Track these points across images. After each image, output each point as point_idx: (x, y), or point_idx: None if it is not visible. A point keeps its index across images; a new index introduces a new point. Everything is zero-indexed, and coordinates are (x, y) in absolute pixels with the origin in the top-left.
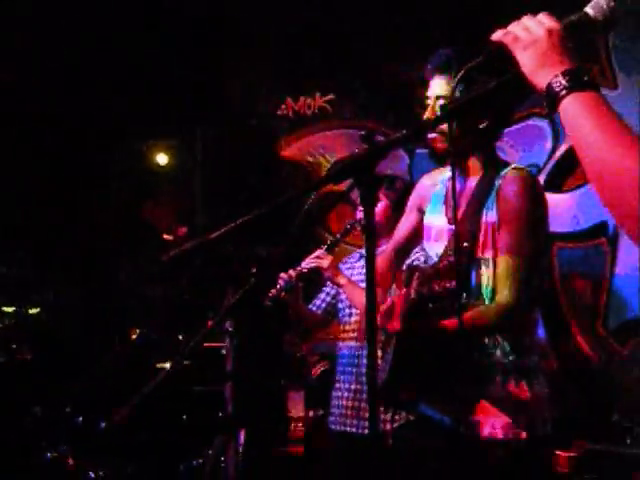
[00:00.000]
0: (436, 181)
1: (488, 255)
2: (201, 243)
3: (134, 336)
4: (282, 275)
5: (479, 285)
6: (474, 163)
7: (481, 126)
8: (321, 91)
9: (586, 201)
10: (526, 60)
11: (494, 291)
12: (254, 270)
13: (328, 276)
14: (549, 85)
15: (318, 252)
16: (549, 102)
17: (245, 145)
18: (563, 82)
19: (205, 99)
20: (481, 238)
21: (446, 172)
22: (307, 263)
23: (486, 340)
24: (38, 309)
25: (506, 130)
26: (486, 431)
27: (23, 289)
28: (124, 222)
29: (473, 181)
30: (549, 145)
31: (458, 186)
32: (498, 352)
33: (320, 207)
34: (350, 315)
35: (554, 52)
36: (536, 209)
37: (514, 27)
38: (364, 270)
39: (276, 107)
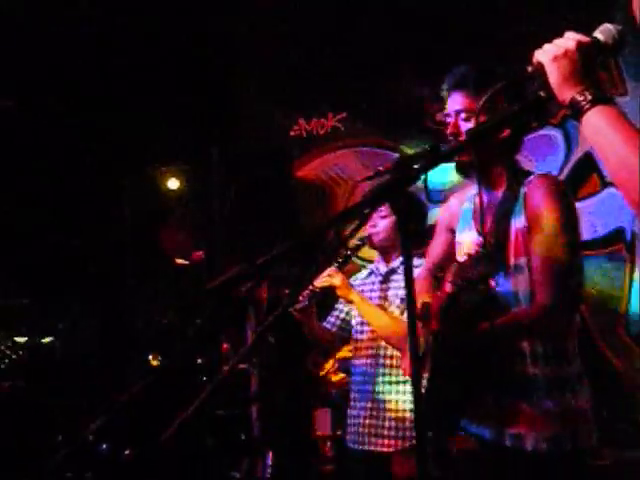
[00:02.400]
0: (464, 199)
1: (521, 261)
2: (247, 270)
3: (155, 362)
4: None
5: (516, 292)
6: (499, 175)
7: (502, 137)
8: (333, 110)
9: (602, 208)
10: (554, 71)
11: (532, 295)
12: (287, 291)
13: (340, 294)
14: (574, 98)
15: (329, 270)
16: (573, 113)
17: (259, 167)
18: (588, 96)
19: (218, 122)
20: (512, 245)
21: (472, 189)
22: (319, 282)
23: (527, 347)
24: (51, 338)
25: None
26: (530, 444)
27: (36, 319)
28: (139, 248)
29: (499, 193)
30: (562, 154)
31: (485, 199)
32: (540, 360)
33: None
34: (362, 332)
35: (581, 66)
36: (565, 210)
37: (548, 45)
38: (375, 286)
39: (289, 128)
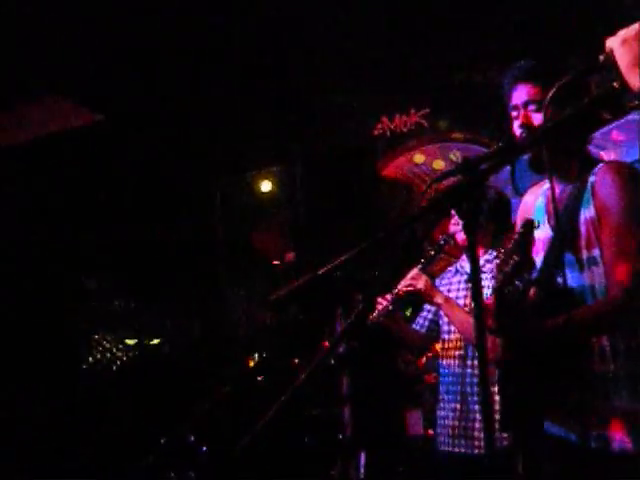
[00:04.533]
0: (537, 194)
1: (595, 253)
2: (309, 280)
3: (252, 363)
4: (379, 300)
5: (592, 286)
6: (570, 168)
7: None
8: (416, 106)
9: None
10: (624, 54)
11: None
12: (361, 296)
13: (425, 297)
14: None
15: (413, 273)
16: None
17: (344, 167)
18: None
19: (301, 123)
20: (583, 237)
21: (546, 184)
22: (403, 285)
23: (606, 344)
24: (159, 340)
25: (607, 127)
26: (616, 445)
27: (143, 321)
28: (234, 251)
29: (571, 186)
30: None
31: (558, 192)
32: (621, 357)
33: (425, 224)
34: (449, 332)
35: None
36: (634, 197)
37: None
38: (461, 285)
39: (372, 127)
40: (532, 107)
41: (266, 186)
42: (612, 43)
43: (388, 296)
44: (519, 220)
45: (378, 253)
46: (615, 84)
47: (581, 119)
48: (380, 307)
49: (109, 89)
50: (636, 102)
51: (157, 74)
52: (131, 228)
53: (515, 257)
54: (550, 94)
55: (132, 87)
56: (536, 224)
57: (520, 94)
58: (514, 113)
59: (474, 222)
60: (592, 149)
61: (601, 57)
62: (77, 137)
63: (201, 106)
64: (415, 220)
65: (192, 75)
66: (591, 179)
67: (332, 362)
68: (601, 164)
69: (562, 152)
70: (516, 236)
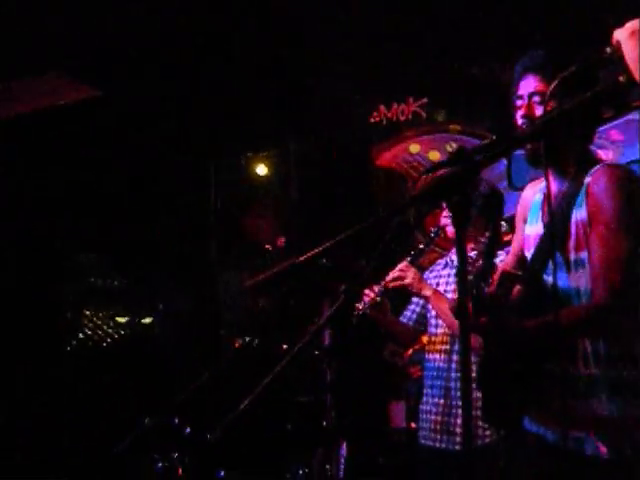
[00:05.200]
0: (536, 190)
1: (582, 255)
2: (286, 268)
3: (237, 345)
4: (366, 291)
5: (577, 288)
6: (570, 166)
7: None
8: (414, 95)
9: None
10: (632, 47)
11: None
12: (343, 287)
13: (413, 289)
14: None
15: (402, 265)
16: None
17: (339, 154)
18: None
19: (297, 109)
20: (572, 238)
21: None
22: (391, 277)
23: (589, 347)
24: (151, 319)
25: (606, 126)
26: (591, 449)
27: (135, 299)
28: (227, 233)
29: (568, 179)
30: None
31: (555, 189)
32: (603, 361)
33: (417, 213)
34: (437, 326)
35: None
36: (627, 202)
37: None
38: (450, 279)
39: (369, 115)
40: (536, 99)
41: (262, 170)
42: (620, 35)
43: (376, 287)
44: (517, 215)
45: (365, 242)
46: (621, 78)
47: (583, 114)
48: (367, 298)
49: (107, 66)
50: None
51: (155, 59)
52: (127, 209)
53: (479, 265)
54: (551, 87)
55: (131, 68)
56: (516, 279)
57: (527, 84)
58: (518, 102)
59: (463, 216)
60: (592, 148)
61: (607, 49)
62: (70, 113)
63: (199, 91)
64: (403, 211)
65: (191, 61)
66: (587, 180)
67: (317, 352)
68: (598, 166)
69: (561, 148)
70: (494, 288)
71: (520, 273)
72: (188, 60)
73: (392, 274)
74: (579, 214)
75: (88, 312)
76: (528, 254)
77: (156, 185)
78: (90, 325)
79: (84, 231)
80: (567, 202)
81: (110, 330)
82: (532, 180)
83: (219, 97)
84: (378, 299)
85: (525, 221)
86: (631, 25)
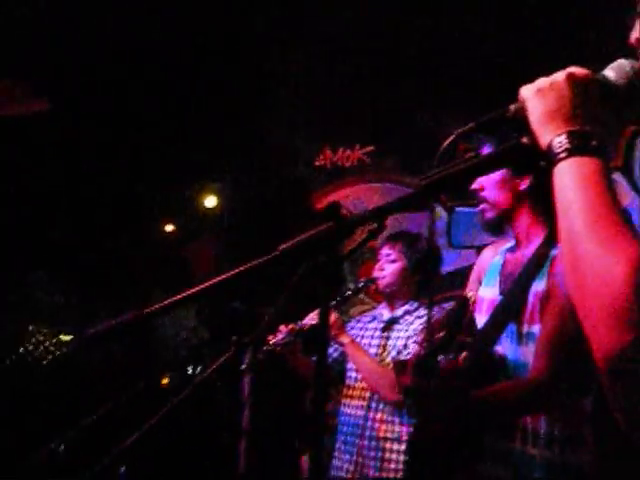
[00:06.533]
0: (497, 252)
1: (534, 329)
2: (131, 319)
3: (165, 381)
4: (281, 328)
5: (526, 363)
6: (535, 228)
7: (522, 188)
8: (361, 142)
9: None
10: (536, 107)
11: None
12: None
13: (331, 334)
14: (551, 143)
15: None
16: (547, 162)
17: (280, 194)
18: (566, 143)
19: (247, 147)
20: (528, 310)
21: (507, 243)
22: (310, 319)
23: (529, 424)
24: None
25: None
26: None
27: (81, 318)
28: (164, 259)
29: (533, 248)
30: (633, 202)
31: (516, 255)
32: (542, 441)
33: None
34: (355, 380)
35: (570, 104)
36: None
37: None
38: (376, 333)
39: (314, 157)
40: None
41: (210, 202)
42: (526, 92)
43: (292, 326)
44: (473, 274)
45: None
46: (525, 140)
47: (475, 174)
48: (280, 336)
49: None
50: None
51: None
52: (78, 227)
53: (443, 332)
54: (442, 147)
55: (84, 87)
56: (471, 301)
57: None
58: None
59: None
60: None
61: (512, 107)
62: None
63: (153, 118)
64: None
65: (142, 89)
66: (553, 252)
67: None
68: None
69: (514, 211)
70: (450, 311)
71: (469, 340)
72: (143, 90)
73: (311, 315)
74: (539, 286)
75: (31, 327)
76: (479, 317)
77: (108, 210)
78: (32, 340)
79: (34, 248)
80: (529, 271)
81: (52, 348)
82: (495, 242)
83: (171, 131)
84: (292, 338)
85: (480, 282)
86: (538, 82)
